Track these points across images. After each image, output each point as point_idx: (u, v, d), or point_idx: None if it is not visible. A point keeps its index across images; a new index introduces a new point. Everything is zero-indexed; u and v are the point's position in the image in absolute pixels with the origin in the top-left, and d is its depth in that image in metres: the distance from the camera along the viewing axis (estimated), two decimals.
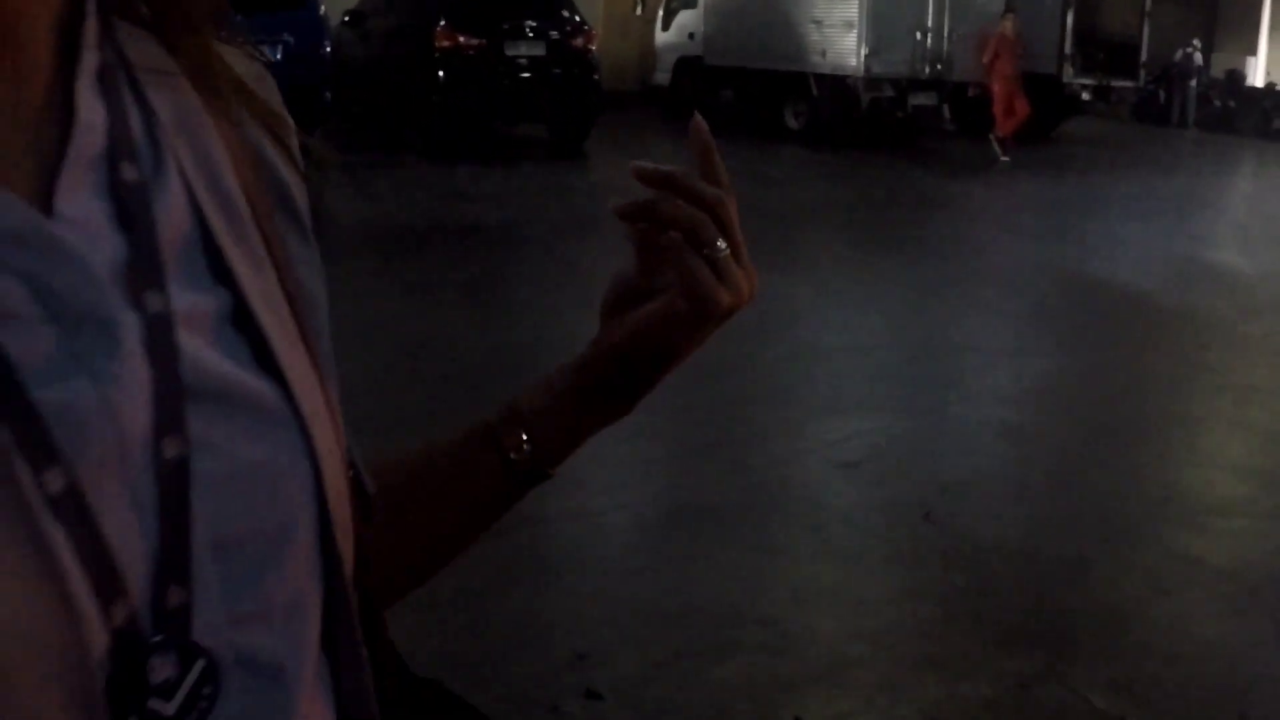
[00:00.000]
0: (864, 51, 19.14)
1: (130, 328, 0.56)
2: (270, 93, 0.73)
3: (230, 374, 0.60)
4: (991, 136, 18.92)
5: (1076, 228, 13.51)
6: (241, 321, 0.62)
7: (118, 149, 0.60)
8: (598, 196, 13.07)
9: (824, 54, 19.79)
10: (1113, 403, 7.40)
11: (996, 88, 18.89)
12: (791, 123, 20.57)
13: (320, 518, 0.64)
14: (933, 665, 4.21)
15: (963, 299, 10.00)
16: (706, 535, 5.19)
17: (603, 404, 0.95)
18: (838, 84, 19.56)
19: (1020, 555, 5.15)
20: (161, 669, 0.55)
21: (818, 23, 19.86)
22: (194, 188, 0.63)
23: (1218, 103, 28.26)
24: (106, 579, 0.53)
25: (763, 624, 4.44)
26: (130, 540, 0.54)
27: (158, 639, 0.55)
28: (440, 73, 15.79)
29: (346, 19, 17.94)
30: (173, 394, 0.57)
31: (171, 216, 0.61)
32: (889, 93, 19.54)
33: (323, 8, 17.82)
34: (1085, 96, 22.27)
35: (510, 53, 16.18)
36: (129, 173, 0.60)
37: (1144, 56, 22.49)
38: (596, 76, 16.90)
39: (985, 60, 19.09)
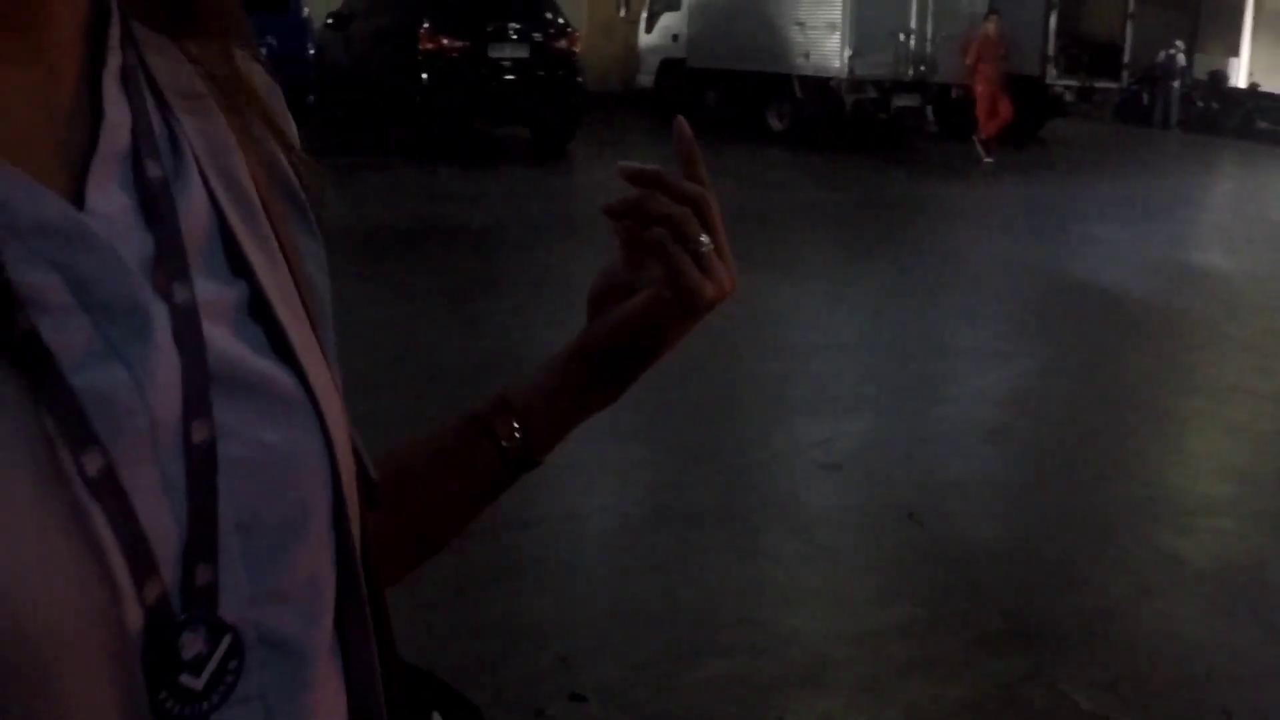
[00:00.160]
0: (847, 53, 19.14)
1: (160, 317, 0.59)
2: (279, 103, 0.77)
3: (251, 362, 0.63)
4: (975, 138, 18.96)
5: (1060, 229, 13.53)
6: (258, 312, 0.66)
7: (141, 146, 0.63)
8: (581, 198, 13.08)
9: (807, 56, 19.80)
10: (1096, 403, 7.41)
11: (980, 89, 18.93)
12: (775, 124, 20.59)
13: (334, 500, 0.67)
14: (917, 666, 4.21)
15: (946, 300, 10.01)
16: (691, 537, 5.18)
17: (590, 393, 0.99)
18: (821, 86, 19.56)
19: (1004, 556, 5.16)
20: (191, 644, 0.58)
21: (801, 25, 19.86)
22: (212, 184, 0.67)
23: (1200, 104, 28.34)
24: (141, 558, 0.56)
25: (747, 625, 4.44)
26: (162, 520, 0.57)
27: (188, 616, 0.58)
28: (424, 75, 15.77)
29: (330, 21, 17.91)
30: (200, 381, 0.60)
31: (192, 211, 0.64)
32: (872, 94, 19.53)
33: (306, 10, 17.83)
34: (1068, 98, 22.29)
35: (494, 55, 16.16)
36: (153, 169, 0.63)
37: (1127, 58, 22.52)
38: (580, 78, 16.89)
39: (968, 62, 19.12)
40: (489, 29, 16.16)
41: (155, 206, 0.62)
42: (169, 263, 0.61)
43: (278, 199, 0.72)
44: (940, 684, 4.11)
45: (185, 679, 0.58)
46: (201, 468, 0.59)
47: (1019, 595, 4.81)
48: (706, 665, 4.15)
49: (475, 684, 3.84)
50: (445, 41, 15.88)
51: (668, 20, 23.49)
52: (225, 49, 0.71)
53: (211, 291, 0.63)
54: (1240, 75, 31.47)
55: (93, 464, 0.54)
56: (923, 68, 19.88)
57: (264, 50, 0.75)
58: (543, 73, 16.38)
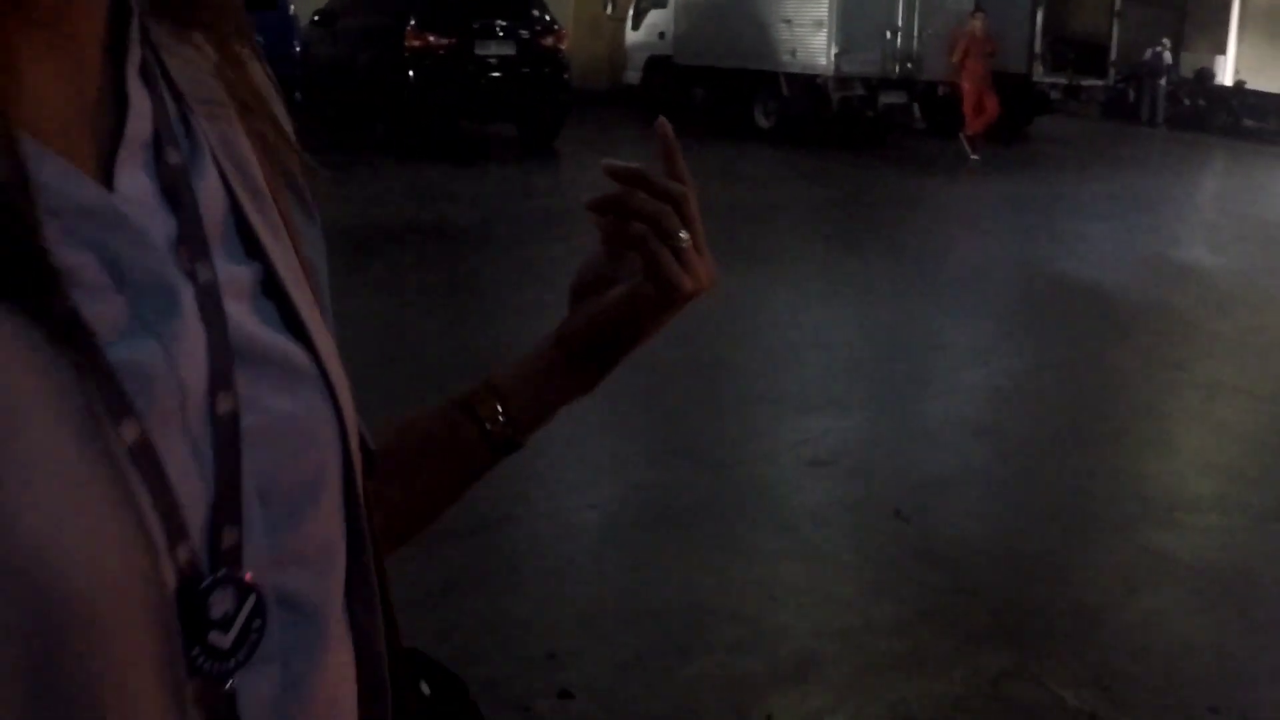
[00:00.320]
0: (834, 50, 19.16)
1: (186, 295, 0.63)
2: (277, 103, 0.81)
3: (267, 337, 0.68)
4: (962, 135, 18.98)
5: (1046, 226, 13.55)
6: (271, 290, 0.70)
7: (161, 135, 0.67)
8: (568, 196, 13.06)
9: (794, 53, 19.82)
10: (1083, 400, 7.43)
11: (966, 87, 18.94)
12: (762, 122, 20.59)
13: (344, 466, 0.71)
14: (904, 663, 4.21)
15: (933, 297, 10.02)
16: (678, 534, 5.18)
17: (571, 380, 1.04)
18: (808, 83, 19.57)
19: (991, 553, 5.17)
20: (220, 604, 0.61)
21: (788, 22, 19.88)
22: (225, 171, 0.71)
23: (1187, 101, 28.41)
24: (173, 521, 0.59)
25: (734, 622, 4.44)
26: (191, 486, 0.60)
27: (216, 577, 0.61)
28: (410, 72, 15.75)
29: (316, 19, 17.88)
30: (223, 355, 0.63)
31: (209, 196, 0.68)
32: (859, 91, 19.55)
33: (292, 7, 17.79)
34: (1055, 95, 22.35)
35: (480, 52, 16.14)
36: (173, 156, 0.67)
37: (1113, 55, 22.59)
38: (567, 76, 16.89)
39: (955, 59, 19.14)
40: (475, 26, 16.14)
41: (176, 191, 0.66)
42: (191, 244, 0.65)
43: (281, 187, 0.77)
44: (927, 680, 4.11)
45: (214, 636, 0.61)
46: (227, 437, 0.62)
47: (1006, 592, 4.81)
48: (694, 662, 4.15)
49: None
50: (432, 39, 15.86)
51: (654, 17, 23.47)
52: (228, 44, 0.75)
53: (230, 271, 0.67)
54: (1226, 73, 31.57)
55: (130, 433, 0.57)
56: (909, 65, 19.91)
57: None
58: (529, 70, 16.37)
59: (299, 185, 0.80)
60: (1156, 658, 4.35)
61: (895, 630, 4.45)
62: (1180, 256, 12.36)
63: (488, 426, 1.02)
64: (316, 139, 15.94)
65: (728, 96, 21.44)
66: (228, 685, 0.62)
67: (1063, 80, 22.07)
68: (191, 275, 0.64)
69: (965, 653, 4.29)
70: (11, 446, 0.54)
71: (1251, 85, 28.43)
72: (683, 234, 0.95)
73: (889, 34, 19.67)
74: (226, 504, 0.62)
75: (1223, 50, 32.80)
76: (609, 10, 25.21)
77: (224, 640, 0.61)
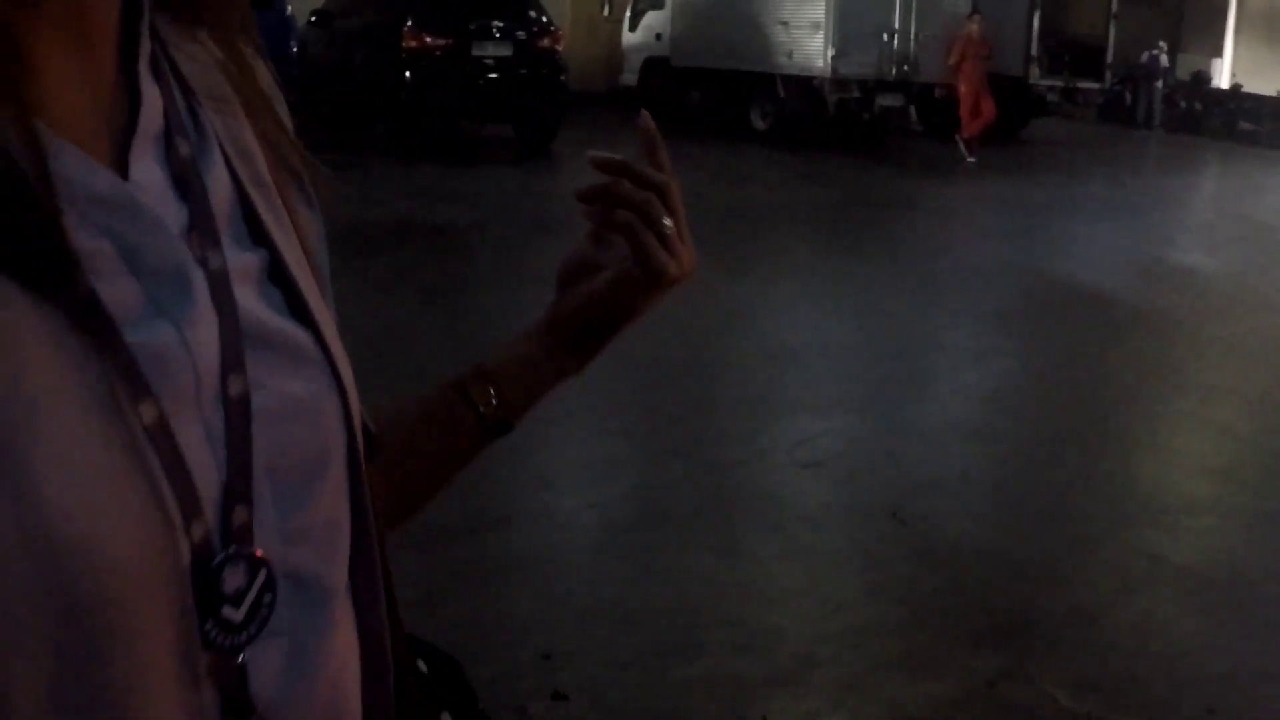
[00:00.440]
0: (831, 53, 19.16)
1: (199, 281, 0.65)
2: (279, 100, 0.84)
3: (275, 321, 0.70)
4: (958, 137, 18.99)
5: (1042, 228, 13.57)
6: (277, 277, 0.73)
7: (172, 127, 0.70)
8: (564, 197, 13.00)
9: (791, 55, 19.82)
10: (1078, 403, 7.43)
11: (963, 89, 18.96)
12: (758, 123, 20.60)
13: (349, 449, 0.73)
14: (900, 665, 4.21)
15: (929, 299, 10.02)
16: (673, 536, 5.18)
17: (561, 362, 1.08)
18: (804, 85, 19.58)
19: (987, 554, 5.17)
20: (233, 579, 0.63)
21: (785, 24, 19.88)
22: (232, 162, 0.73)
23: (1183, 104, 28.43)
24: (189, 498, 0.61)
25: (730, 624, 4.43)
26: (205, 465, 0.63)
27: (229, 552, 0.63)
28: (407, 73, 15.73)
29: (313, 19, 17.86)
30: (235, 338, 0.66)
31: (217, 186, 0.71)
32: (856, 94, 19.55)
33: (289, 8, 17.80)
34: (1051, 98, 22.39)
35: (477, 53, 16.13)
36: (183, 148, 0.69)
37: (1110, 58, 22.60)
38: (564, 77, 16.86)
39: (952, 62, 19.16)
40: (472, 27, 16.12)
41: (186, 181, 0.68)
42: (202, 231, 0.67)
43: (284, 178, 0.79)
44: (923, 682, 4.11)
45: (227, 611, 0.63)
46: (238, 417, 0.65)
47: (1001, 593, 4.81)
48: (689, 664, 4.15)
49: None
50: (428, 39, 15.84)
51: (651, 19, 23.48)
52: (233, 42, 0.77)
53: (238, 258, 0.69)
54: (1223, 76, 31.58)
55: (148, 414, 0.60)
56: (906, 67, 19.91)
57: None
58: (526, 71, 16.34)
59: (300, 177, 0.83)
60: (1152, 659, 4.36)
61: (891, 632, 4.45)
62: (1176, 259, 12.37)
63: (481, 409, 1.06)
64: (314, 139, 15.87)
65: (724, 98, 21.44)
66: (240, 659, 0.64)
67: (1059, 83, 22.09)
68: (203, 262, 0.66)
69: (961, 654, 4.29)
70: (36, 427, 0.56)
71: (1248, 88, 28.44)
72: (666, 221, 1.00)
73: (886, 36, 19.66)
74: (238, 483, 0.64)
75: (1219, 53, 32.83)
76: (606, 12, 25.19)
77: (236, 615, 0.63)
